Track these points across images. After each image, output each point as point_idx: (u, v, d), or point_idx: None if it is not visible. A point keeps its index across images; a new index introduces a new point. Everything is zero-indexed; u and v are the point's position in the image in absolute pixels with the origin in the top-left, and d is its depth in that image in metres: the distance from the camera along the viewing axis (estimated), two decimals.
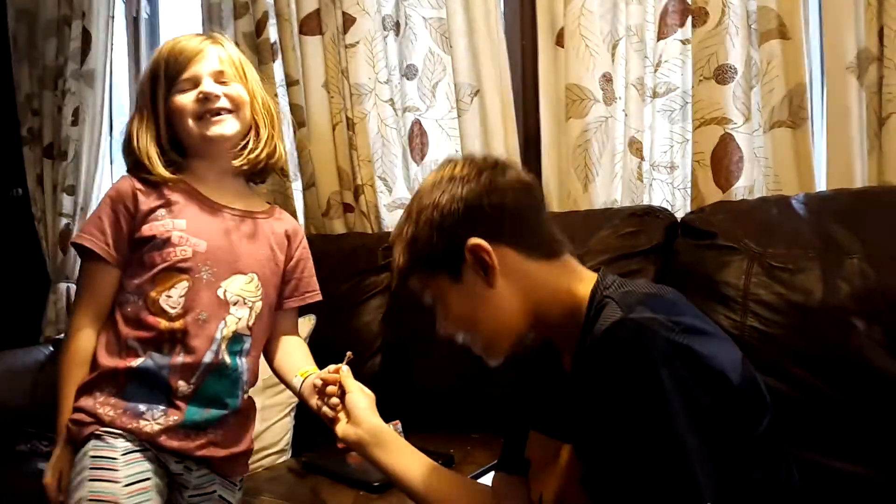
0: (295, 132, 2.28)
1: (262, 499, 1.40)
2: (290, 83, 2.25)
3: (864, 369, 1.23)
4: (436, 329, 0.99)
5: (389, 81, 2.13)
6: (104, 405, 1.18)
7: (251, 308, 1.25)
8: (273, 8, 2.28)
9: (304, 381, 1.21)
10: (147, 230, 1.21)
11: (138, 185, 1.24)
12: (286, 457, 1.70)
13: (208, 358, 1.20)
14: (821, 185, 1.59)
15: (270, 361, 1.35)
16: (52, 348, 2.27)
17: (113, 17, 2.77)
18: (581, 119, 1.79)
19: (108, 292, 1.24)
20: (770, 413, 0.83)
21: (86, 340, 1.22)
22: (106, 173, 2.82)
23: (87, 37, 2.74)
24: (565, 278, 0.94)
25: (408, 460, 1.08)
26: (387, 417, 1.66)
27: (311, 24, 2.19)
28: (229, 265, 1.24)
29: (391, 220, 2.17)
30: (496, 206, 0.92)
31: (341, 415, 1.10)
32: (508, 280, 0.92)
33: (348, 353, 1.15)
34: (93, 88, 2.75)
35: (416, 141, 2.10)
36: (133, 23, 2.87)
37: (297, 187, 2.35)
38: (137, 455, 1.17)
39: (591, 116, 1.79)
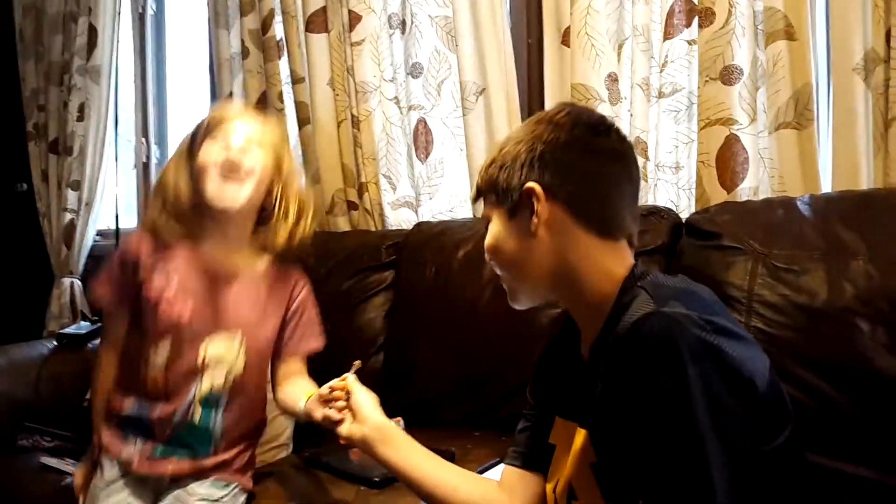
0: (299, 129, 2.28)
1: (263, 492, 1.40)
2: (296, 80, 2.26)
3: (868, 371, 1.23)
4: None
5: (395, 79, 2.13)
6: (106, 433, 1.34)
7: (229, 370, 1.31)
8: (279, 5, 2.28)
9: (307, 399, 1.22)
10: (144, 288, 1.31)
11: (144, 244, 1.34)
12: (288, 451, 1.70)
13: (179, 415, 1.29)
14: (826, 186, 1.58)
15: (276, 399, 1.38)
16: (55, 342, 2.27)
17: (119, 13, 2.79)
18: None
19: (120, 332, 1.37)
20: (791, 425, 0.82)
21: (107, 374, 1.38)
22: (110, 169, 2.83)
23: (93, 32, 2.75)
24: (609, 260, 0.92)
25: (413, 456, 1.09)
26: (389, 414, 1.66)
27: (317, 22, 2.19)
28: (212, 326, 1.30)
29: (395, 217, 2.17)
30: (570, 164, 0.92)
31: (346, 414, 1.12)
32: (551, 236, 0.92)
33: (356, 363, 1.17)
34: (98, 84, 2.76)
35: (421, 139, 2.10)
36: (139, 19, 2.88)
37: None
38: (120, 484, 1.31)
39: None
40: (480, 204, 1.01)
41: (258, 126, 1.34)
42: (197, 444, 1.30)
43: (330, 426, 1.13)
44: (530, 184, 0.91)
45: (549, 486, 0.99)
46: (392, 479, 1.30)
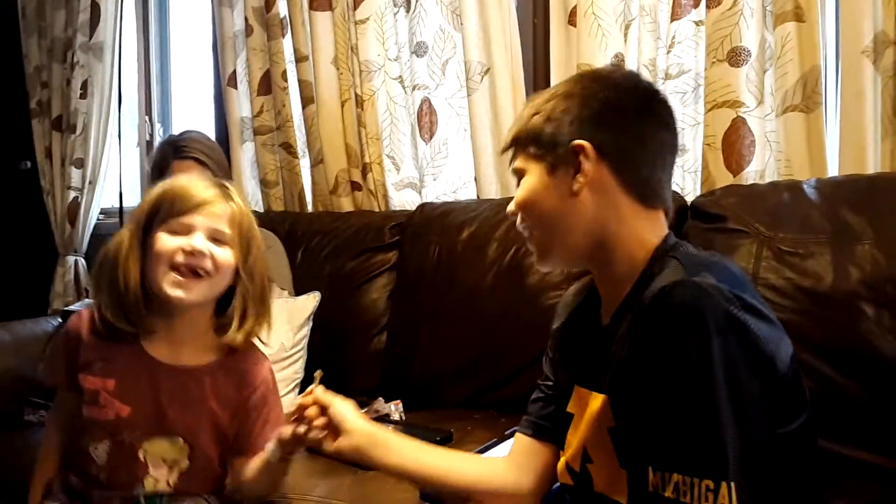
0: (303, 108, 2.27)
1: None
2: (300, 59, 2.24)
3: (872, 355, 1.23)
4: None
5: (399, 59, 2.12)
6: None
7: (172, 468, 1.20)
8: None
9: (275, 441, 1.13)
10: (82, 379, 1.20)
11: (86, 332, 1.22)
12: None
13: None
14: (833, 170, 1.57)
15: (239, 487, 1.25)
16: (59, 320, 2.28)
17: None
18: None
19: (70, 413, 1.24)
20: (807, 413, 0.83)
21: (51, 461, 1.25)
22: (114, 146, 2.82)
23: (95, 9, 2.74)
24: (645, 229, 0.91)
25: (410, 451, 1.06)
26: (389, 396, 1.68)
27: (321, 0, 2.18)
28: (152, 428, 1.19)
29: (399, 198, 2.16)
30: (625, 125, 0.90)
31: (326, 436, 1.04)
32: (593, 197, 0.90)
33: (317, 373, 1.09)
34: (102, 61, 2.75)
35: (425, 119, 2.09)
36: None
37: (304, 164, 2.34)
38: None
39: None
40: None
41: (224, 218, 1.16)
42: None
43: (311, 444, 1.06)
44: (581, 141, 0.89)
45: (563, 460, 0.97)
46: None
